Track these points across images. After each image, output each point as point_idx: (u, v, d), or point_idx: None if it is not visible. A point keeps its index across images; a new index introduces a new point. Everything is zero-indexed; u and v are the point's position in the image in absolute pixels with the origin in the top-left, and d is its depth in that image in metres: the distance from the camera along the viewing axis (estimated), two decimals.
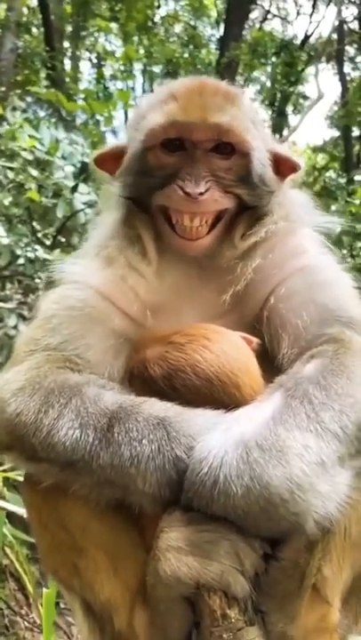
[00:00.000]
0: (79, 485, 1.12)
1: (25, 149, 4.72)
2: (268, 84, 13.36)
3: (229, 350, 1.19)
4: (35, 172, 4.75)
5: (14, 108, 5.82)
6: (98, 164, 1.45)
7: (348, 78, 14.52)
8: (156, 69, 13.86)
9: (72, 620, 2.74)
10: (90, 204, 4.62)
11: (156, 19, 14.64)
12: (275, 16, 15.15)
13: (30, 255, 4.61)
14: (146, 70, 13.89)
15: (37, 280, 4.58)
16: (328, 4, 13.84)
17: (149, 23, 14.04)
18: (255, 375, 1.20)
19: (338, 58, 14.35)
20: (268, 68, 13.65)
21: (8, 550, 2.76)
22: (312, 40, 14.02)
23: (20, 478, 1.35)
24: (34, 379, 1.20)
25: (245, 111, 1.36)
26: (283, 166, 1.40)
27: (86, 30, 14.02)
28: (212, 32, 15.57)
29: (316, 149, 14.60)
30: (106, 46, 14.21)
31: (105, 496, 1.12)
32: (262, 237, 1.37)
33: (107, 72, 12.68)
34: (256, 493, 0.98)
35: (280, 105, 13.68)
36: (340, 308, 1.27)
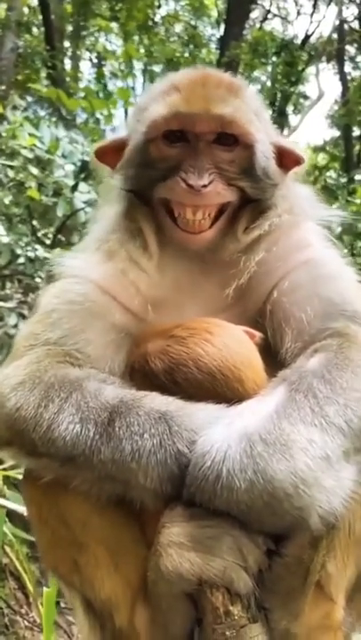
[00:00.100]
0: (80, 480, 1.11)
1: (25, 148, 4.71)
2: (269, 83, 13.35)
3: (232, 344, 1.18)
4: (35, 171, 4.74)
5: (14, 107, 5.82)
6: (98, 157, 1.44)
7: (348, 78, 14.53)
8: (157, 69, 13.86)
9: (72, 620, 2.73)
10: (90, 203, 4.61)
11: (157, 18, 14.65)
12: (275, 16, 15.17)
13: (30, 254, 4.61)
14: (146, 70, 13.90)
15: (37, 279, 4.57)
16: (329, 4, 13.86)
17: (150, 23, 14.04)
18: (258, 369, 1.19)
19: (338, 57, 14.36)
20: (269, 68, 13.65)
21: (8, 549, 2.75)
22: (313, 40, 14.04)
23: (20, 477, 1.34)
24: (34, 373, 1.19)
25: (249, 103, 1.34)
26: (286, 159, 1.39)
27: (87, 30, 14.03)
28: (212, 32, 15.60)
29: (316, 149, 14.59)
30: (106, 46, 14.22)
31: (106, 491, 1.11)
32: (266, 231, 1.35)
33: (107, 71, 12.67)
34: (260, 488, 0.96)
35: (280, 105, 13.67)
36: (344, 302, 1.26)
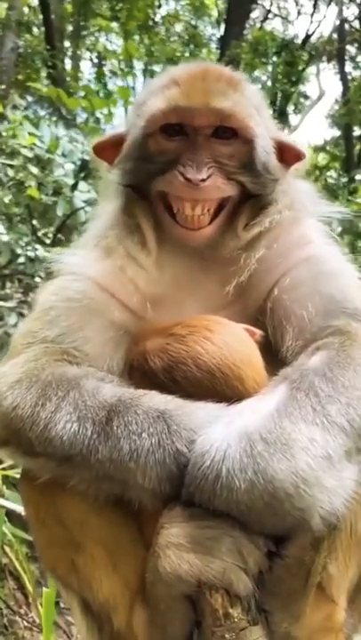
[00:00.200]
0: (77, 480, 1.10)
1: (25, 147, 4.71)
2: (269, 83, 13.34)
3: (232, 342, 1.16)
4: (35, 170, 4.74)
5: (15, 107, 5.81)
6: (97, 153, 1.42)
7: (349, 77, 14.52)
8: (157, 68, 13.85)
9: (72, 620, 2.72)
10: (90, 202, 4.60)
11: (157, 18, 14.65)
12: (276, 15, 15.16)
13: (30, 254, 4.60)
14: (147, 69, 13.89)
15: (37, 279, 4.56)
16: (329, 4, 13.85)
17: (150, 22, 14.04)
18: (258, 367, 1.18)
19: (339, 57, 14.35)
20: (269, 68, 13.63)
21: (7, 549, 2.74)
22: (313, 39, 14.03)
23: (19, 476, 1.33)
24: (31, 371, 1.18)
25: (249, 97, 1.33)
26: (287, 154, 1.37)
27: (87, 29, 14.03)
28: (212, 31, 15.60)
29: (317, 149, 14.58)
30: (107, 46, 14.22)
31: (103, 491, 1.09)
32: (266, 227, 1.34)
33: (107, 70, 12.68)
34: (260, 488, 0.95)
35: (281, 104, 13.66)
36: (346, 300, 1.24)
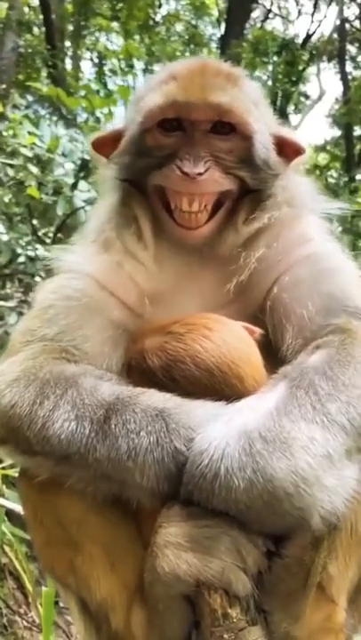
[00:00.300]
0: (75, 479, 1.09)
1: (25, 146, 4.70)
2: (270, 83, 13.33)
3: (231, 340, 1.16)
4: (35, 170, 4.73)
5: (15, 106, 5.81)
6: (96, 148, 1.41)
7: (349, 77, 14.51)
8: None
9: (71, 620, 2.70)
10: (90, 202, 4.59)
11: (158, 17, 14.65)
12: (276, 15, 15.16)
13: (31, 253, 4.60)
14: (147, 69, 13.88)
15: (38, 278, 4.56)
16: (329, 4, 13.86)
17: (150, 22, 14.04)
18: (258, 366, 1.17)
19: (339, 57, 14.34)
20: (270, 67, 13.63)
21: (7, 548, 2.73)
22: (314, 39, 14.03)
23: None
24: (29, 370, 1.17)
25: (248, 92, 1.32)
26: (287, 149, 1.36)
27: (87, 29, 14.03)
28: (213, 31, 15.59)
29: (317, 148, 14.57)
30: (107, 45, 14.22)
31: (102, 490, 1.09)
32: (265, 224, 1.33)
33: (107, 69, 12.67)
34: (259, 487, 0.94)
35: (281, 104, 13.65)
36: (346, 298, 1.23)
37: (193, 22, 15.28)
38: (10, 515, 2.55)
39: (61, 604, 2.68)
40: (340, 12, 13.69)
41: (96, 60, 14.07)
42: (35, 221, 5.19)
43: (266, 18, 14.94)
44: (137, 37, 13.74)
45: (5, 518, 2.51)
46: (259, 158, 1.28)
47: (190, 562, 0.99)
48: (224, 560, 0.99)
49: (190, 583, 1.00)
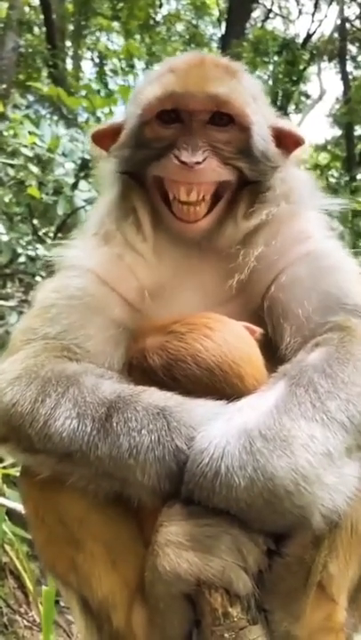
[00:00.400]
0: (77, 477, 1.09)
1: (25, 146, 4.70)
2: (270, 82, 13.32)
3: (232, 340, 1.16)
4: (35, 169, 4.73)
5: (15, 106, 5.81)
6: (96, 141, 1.41)
7: (350, 77, 14.50)
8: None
9: (72, 619, 2.71)
10: (90, 201, 4.59)
11: (158, 17, 14.65)
12: (277, 15, 15.15)
13: (31, 253, 4.60)
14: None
15: (38, 278, 4.56)
16: (330, 3, 13.85)
17: (151, 22, 14.04)
18: (258, 365, 1.17)
19: (340, 56, 14.33)
20: (271, 67, 13.62)
21: (8, 548, 2.73)
22: (314, 39, 14.02)
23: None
24: (30, 368, 1.17)
25: (246, 85, 1.31)
26: (286, 141, 1.35)
27: (88, 29, 14.03)
28: (213, 31, 15.59)
29: (318, 148, 14.56)
30: (108, 45, 14.22)
31: (103, 488, 1.09)
32: (263, 220, 1.32)
33: (108, 69, 12.67)
34: (260, 485, 0.94)
35: (282, 103, 13.63)
36: (345, 296, 1.23)
37: (194, 22, 15.28)
38: (10, 514, 2.55)
39: (62, 604, 2.68)
40: (341, 11, 13.69)
41: (97, 60, 14.08)
42: (35, 221, 5.19)
43: (266, 17, 14.93)
44: (137, 37, 13.73)
45: (6, 517, 2.51)
46: (257, 150, 1.28)
47: (191, 561, 0.99)
48: (225, 559, 0.99)
49: (191, 582, 1.01)
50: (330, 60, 14.79)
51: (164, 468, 1.02)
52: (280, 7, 15.07)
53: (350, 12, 14.24)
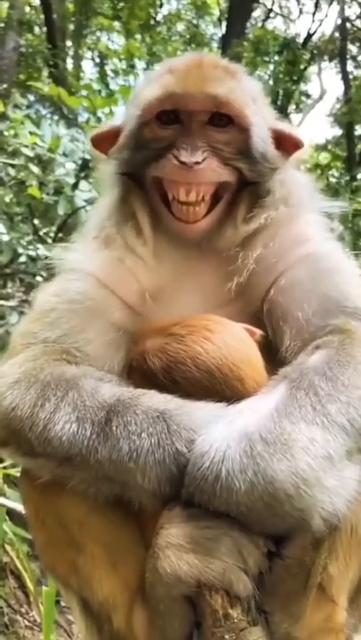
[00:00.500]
0: (77, 481, 1.09)
1: (26, 146, 4.70)
2: (271, 82, 13.31)
3: (232, 342, 1.16)
4: (36, 169, 4.73)
5: (16, 106, 5.80)
6: (95, 144, 1.41)
7: (350, 76, 14.48)
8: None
9: (72, 619, 2.71)
10: (91, 202, 4.59)
11: (159, 17, 14.64)
12: (277, 14, 15.13)
13: (32, 253, 4.60)
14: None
15: (39, 278, 4.56)
16: (331, 3, 13.84)
17: (152, 21, 14.03)
18: (258, 367, 1.17)
19: (340, 56, 14.31)
20: (271, 67, 13.61)
21: (8, 548, 2.74)
22: (315, 38, 14.00)
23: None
24: (30, 371, 1.17)
25: (245, 86, 1.31)
26: (286, 143, 1.35)
27: (88, 29, 14.02)
28: (214, 30, 15.57)
29: (318, 148, 14.55)
30: (108, 45, 14.21)
31: (103, 491, 1.09)
32: (262, 224, 1.32)
33: (108, 69, 12.67)
34: (260, 489, 0.94)
35: (282, 103, 13.62)
36: (345, 298, 1.23)
37: (194, 22, 15.27)
38: (11, 514, 2.56)
39: (62, 604, 2.68)
40: (342, 11, 13.67)
41: (97, 60, 14.07)
42: (36, 221, 5.19)
43: (267, 17, 14.92)
44: (138, 37, 13.73)
45: (7, 517, 2.52)
46: (256, 151, 1.28)
47: (191, 563, 1.00)
48: (225, 561, 1.00)
49: (191, 584, 1.01)
50: (330, 59, 14.77)
51: (165, 471, 1.02)
52: (281, 7, 15.07)
53: (351, 11, 14.25)
